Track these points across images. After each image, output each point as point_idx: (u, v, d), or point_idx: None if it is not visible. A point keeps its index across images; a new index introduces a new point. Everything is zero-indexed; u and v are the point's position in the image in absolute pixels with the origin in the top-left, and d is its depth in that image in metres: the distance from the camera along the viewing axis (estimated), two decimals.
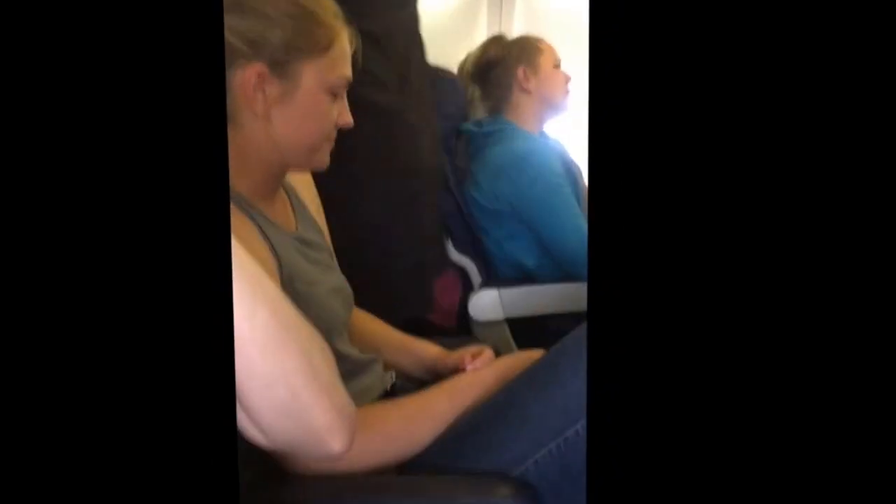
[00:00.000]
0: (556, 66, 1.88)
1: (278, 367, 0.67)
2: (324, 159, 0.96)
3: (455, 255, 1.91)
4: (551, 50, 1.89)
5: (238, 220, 0.86)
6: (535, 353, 1.01)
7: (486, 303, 1.83)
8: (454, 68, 1.97)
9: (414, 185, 1.59)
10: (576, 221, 1.74)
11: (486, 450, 0.84)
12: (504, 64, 1.87)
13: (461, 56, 1.99)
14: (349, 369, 0.96)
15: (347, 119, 0.95)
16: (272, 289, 0.70)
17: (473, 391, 0.93)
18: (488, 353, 1.08)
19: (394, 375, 1.06)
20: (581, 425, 0.82)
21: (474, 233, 1.87)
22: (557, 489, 0.83)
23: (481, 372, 0.98)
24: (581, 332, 0.89)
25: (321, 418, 0.69)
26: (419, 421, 0.88)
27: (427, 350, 1.17)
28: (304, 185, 1.10)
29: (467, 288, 1.94)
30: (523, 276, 1.85)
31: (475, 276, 1.90)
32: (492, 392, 0.92)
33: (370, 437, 0.83)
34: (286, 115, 0.90)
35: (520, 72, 1.86)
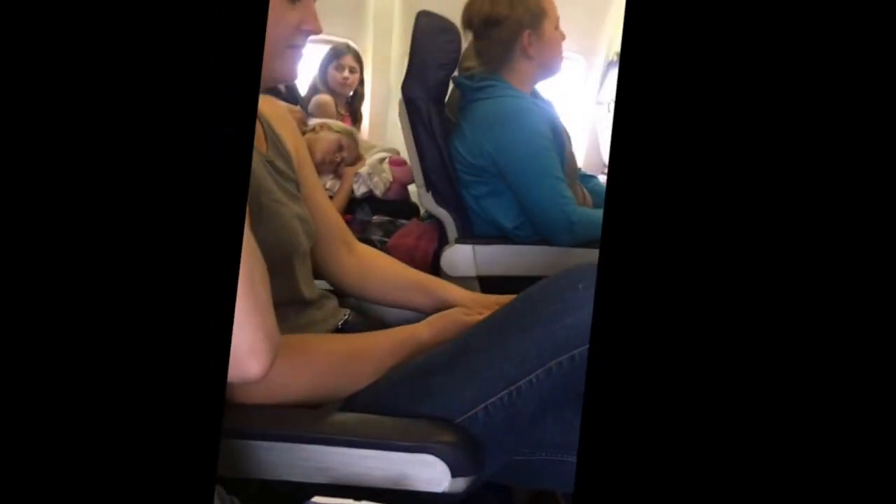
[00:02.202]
0: (557, 27, 1.81)
1: None
2: (288, 69, 0.90)
3: (434, 207, 1.88)
4: (554, 9, 1.82)
5: None
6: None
7: (460, 258, 1.81)
8: (454, 17, 1.91)
9: None
10: (557, 186, 1.71)
11: (434, 393, 0.83)
12: (508, 25, 1.78)
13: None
14: (301, 300, 0.95)
15: (314, 24, 0.90)
16: None
17: (418, 346, 0.91)
18: None
19: (347, 314, 1.04)
20: (535, 376, 0.80)
21: (455, 186, 1.84)
22: (501, 439, 0.82)
23: (436, 325, 0.96)
24: (542, 284, 0.87)
25: (249, 337, 0.66)
26: (356, 359, 0.87)
27: (448, 290, 1.14)
28: (281, 121, 1.08)
29: (443, 241, 1.92)
30: (500, 236, 1.83)
31: (452, 230, 1.87)
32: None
33: (303, 363, 0.82)
34: None
35: (525, 36, 1.77)
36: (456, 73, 1.90)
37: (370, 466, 0.73)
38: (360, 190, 2.34)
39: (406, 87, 1.82)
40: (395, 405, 0.82)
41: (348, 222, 2.18)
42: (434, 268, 1.90)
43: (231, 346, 0.65)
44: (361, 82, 3.04)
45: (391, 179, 2.36)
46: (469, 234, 1.86)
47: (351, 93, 2.98)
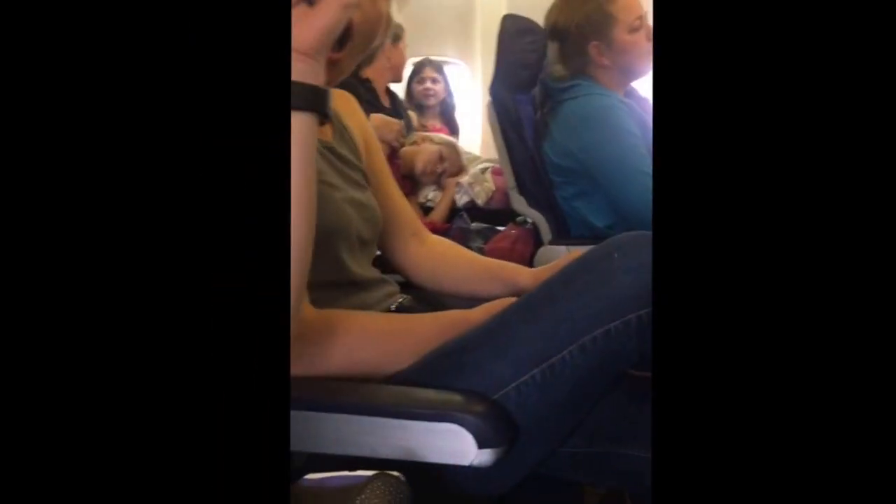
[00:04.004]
0: (634, 29, 1.72)
1: None
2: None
3: (526, 209, 1.85)
4: (629, 12, 1.72)
5: None
6: None
7: (554, 259, 1.76)
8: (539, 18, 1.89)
9: None
10: (647, 182, 1.64)
11: (467, 370, 0.80)
12: (572, 38, 1.74)
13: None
14: (350, 281, 0.95)
15: None
16: None
17: (465, 325, 0.88)
18: None
19: (402, 298, 1.03)
20: (568, 352, 0.76)
21: (546, 188, 1.81)
22: (538, 422, 0.78)
23: (492, 309, 0.93)
24: (579, 256, 0.83)
25: None
26: (398, 336, 0.85)
27: (521, 273, 1.12)
28: (350, 114, 1.10)
29: (538, 244, 1.88)
30: (594, 236, 1.77)
31: (545, 231, 1.84)
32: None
33: (340, 337, 0.81)
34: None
35: (592, 48, 1.73)
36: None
37: (386, 436, 0.71)
38: (461, 200, 2.33)
39: (493, 88, 1.81)
40: (429, 381, 0.80)
41: (448, 231, 2.18)
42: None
43: None
44: (450, 93, 3.08)
45: (494, 189, 2.35)
46: (563, 235, 1.82)
47: (436, 102, 3.03)
